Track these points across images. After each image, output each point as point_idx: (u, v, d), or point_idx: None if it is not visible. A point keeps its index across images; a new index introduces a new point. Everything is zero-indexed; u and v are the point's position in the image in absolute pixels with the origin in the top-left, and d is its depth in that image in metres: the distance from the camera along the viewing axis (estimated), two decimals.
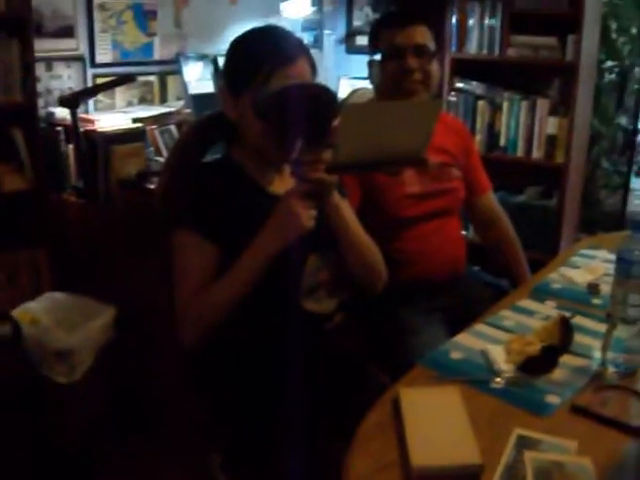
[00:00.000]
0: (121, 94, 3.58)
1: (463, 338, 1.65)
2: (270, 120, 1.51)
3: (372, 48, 2.22)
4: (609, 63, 5.21)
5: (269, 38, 1.65)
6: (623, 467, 1.18)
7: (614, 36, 5.14)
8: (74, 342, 2.50)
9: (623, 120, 5.28)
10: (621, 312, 1.47)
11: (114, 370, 2.62)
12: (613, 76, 5.26)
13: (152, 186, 2.75)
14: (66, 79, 3.34)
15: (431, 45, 2.17)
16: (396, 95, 2.15)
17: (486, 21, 3.81)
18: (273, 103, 1.48)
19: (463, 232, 2.64)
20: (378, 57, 2.17)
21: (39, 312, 2.65)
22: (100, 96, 3.44)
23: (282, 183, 1.66)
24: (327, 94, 1.50)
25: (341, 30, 4.73)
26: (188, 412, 1.87)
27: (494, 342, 1.59)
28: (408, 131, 1.53)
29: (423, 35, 2.16)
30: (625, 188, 4.34)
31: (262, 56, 1.57)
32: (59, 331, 2.54)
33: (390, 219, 2.12)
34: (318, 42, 4.67)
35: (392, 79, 2.15)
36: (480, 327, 1.70)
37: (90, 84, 3.44)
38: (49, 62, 3.26)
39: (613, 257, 1.61)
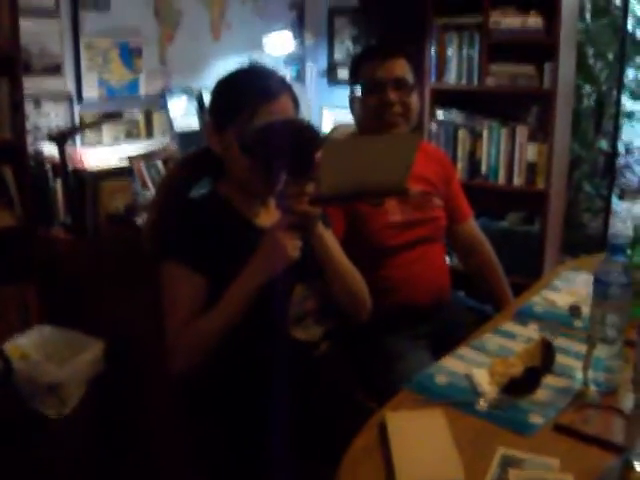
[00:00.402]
0: (108, 130, 3.61)
1: (447, 362, 1.68)
2: (255, 155, 1.56)
3: (353, 82, 2.26)
4: (587, 88, 5.30)
5: (253, 76, 1.70)
6: None
7: (591, 62, 5.24)
8: (64, 376, 2.50)
9: (603, 144, 5.36)
10: (600, 332, 1.50)
11: (104, 403, 2.63)
12: (592, 101, 5.36)
13: (140, 220, 2.79)
14: (54, 116, 3.38)
15: (410, 78, 2.22)
16: (377, 128, 2.18)
17: (464, 51, 3.88)
18: (258, 139, 1.53)
19: (447, 259, 2.68)
20: (359, 91, 2.22)
21: (28, 347, 2.66)
22: (87, 132, 3.48)
23: (268, 215, 1.70)
24: (310, 129, 1.55)
25: (323, 63, 4.79)
26: (177, 443, 1.89)
27: (478, 365, 1.62)
28: (389, 163, 1.58)
29: (402, 68, 2.21)
30: (607, 211, 4.40)
31: (246, 93, 1.62)
32: (49, 365, 2.55)
33: (374, 248, 2.16)
34: (300, 75, 4.74)
35: (373, 112, 2.19)
36: (464, 351, 1.73)
37: (77, 121, 3.48)
38: (37, 100, 3.30)
39: None
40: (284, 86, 1.68)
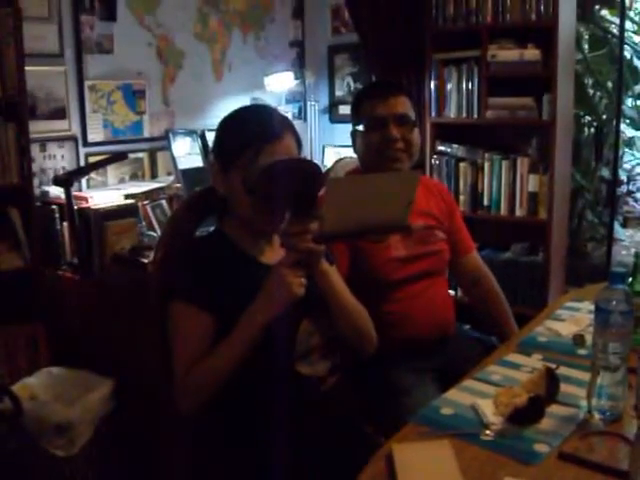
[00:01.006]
0: (113, 171, 3.67)
1: (453, 394, 1.69)
2: (259, 194, 1.58)
3: (355, 119, 2.30)
4: (587, 118, 5.34)
5: (255, 116, 1.74)
6: None
7: (590, 92, 5.28)
8: (73, 416, 2.51)
9: (605, 172, 5.39)
10: (603, 360, 1.51)
11: (113, 442, 2.64)
12: (591, 130, 5.39)
13: (145, 260, 2.81)
14: (59, 159, 3.44)
15: (411, 114, 2.25)
16: (380, 164, 2.21)
17: (463, 85, 3.91)
18: (261, 179, 1.55)
19: (451, 292, 2.69)
20: (361, 127, 2.25)
21: (37, 387, 2.68)
22: (93, 174, 3.53)
23: (273, 253, 1.72)
24: (312, 167, 1.58)
25: (324, 100, 4.85)
26: None
27: (483, 396, 1.63)
28: (390, 200, 1.60)
29: (403, 105, 2.24)
30: (610, 239, 4.41)
31: (250, 134, 1.65)
32: (58, 405, 2.56)
33: (377, 282, 2.17)
34: (302, 113, 4.80)
35: (375, 149, 2.22)
36: (469, 383, 1.74)
37: (83, 163, 3.52)
38: (43, 143, 3.36)
39: None
40: (286, 125, 1.71)
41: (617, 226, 5.40)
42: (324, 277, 1.66)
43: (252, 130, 1.67)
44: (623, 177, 6.24)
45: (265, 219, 1.64)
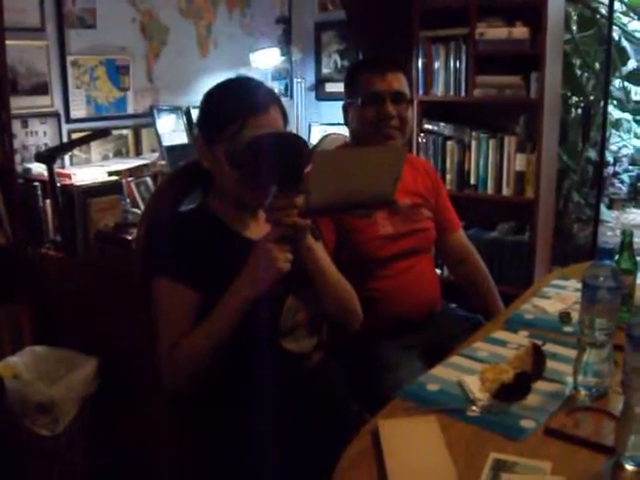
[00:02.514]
0: (96, 148, 3.63)
1: (439, 370, 1.68)
2: (244, 168, 1.56)
3: (350, 91, 2.28)
4: (575, 98, 5.33)
5: (241, 89, 1.71)
6: None
7: (578, 72, 5.27)
8: (56, 394, 2.49)
9: (592, 154, 5.39)
10: (589, 337, 1.51)
11: (97, 420, 2.62)
12: (579, 111, 5.39)
13: (129, 237, 2.78)
14: (42, 135, 3.39)
15: (407, 92, 2.25)
16: (373, 139, 2.20)
17: (451, 63, 3.90)
18: (246, 152, 1.53)
19: (438, 271, 2.68)
20: (357, 101, 2.23)
21: (20, 366, 2.66)
22: (76, 151, 3.50)
23: (258, 228, 1.70)
24: (298, 141, 1.55)
25: (310, 78, 4.83)
26: (171, 459, 1.88)
27: (469, 372, 1.63)
28: (376, 175, 1.59)
29: (400, 82, 2.23)
30: (596, 220, 4.41)
31: (234, 106, 1.63)
32: (41, 384, 2.54)
33: (364, 259, 2.16)
34: (288, 90, 4.77)
35: (370, 124, 2.21)
36: (455, 359, 1.74)
37: (65, 139, 3.49)
38: (25, 119, 3.31)
39: None
40: (273, 99, 1.69)
41: (603, 208, 5.41)
42: (310, 253, 1.64)
43: (237, 102, 1.64)
44: (609, 159, 6.25)
45: (250, 193, 1.62)
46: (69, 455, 2.54)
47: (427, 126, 4.07)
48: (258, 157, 1.51)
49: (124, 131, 3.79)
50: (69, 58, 3.49)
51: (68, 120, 3.52)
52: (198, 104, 1.75)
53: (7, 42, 2.94)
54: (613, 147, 6.41)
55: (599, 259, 1.55)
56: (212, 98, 1.72)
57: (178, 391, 1.64)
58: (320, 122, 4.62)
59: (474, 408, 1.48)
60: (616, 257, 1.86)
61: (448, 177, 3.99)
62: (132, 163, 3.54)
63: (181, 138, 3.86)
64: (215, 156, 1.65)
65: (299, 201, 1.52)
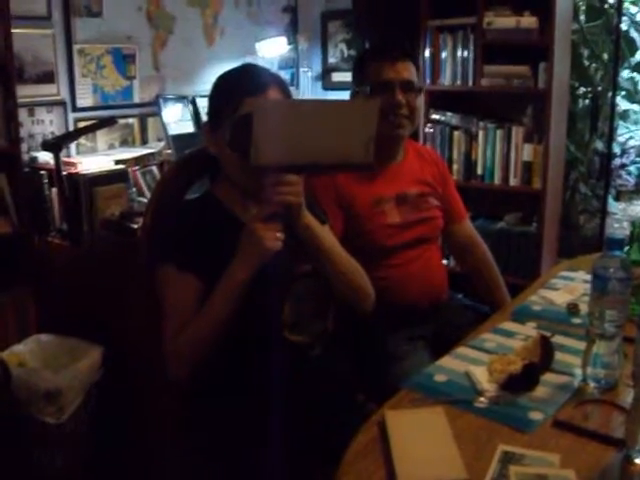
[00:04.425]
0: (102, 137, 3.62)
1: (446, 361, 1.67)
2: (236, 147, 1.52)
3: (358, 79, 2.26)
4: (582, 89, 5.30)
5: (241, 72, 1.71)
6: (606, 477, 1.20)
7: (586, 63, 5.24)
8: (62, 383, 2.50)
9: (599, 145, 5.36)
10: (599, 328, 1.49)
11: (102, 408, 2.62)
12: (587, 102, 5.36)
13: (135, 226, 2.78)
14: (48, 124, 3.38)
15: (417, 81, 2.23)
16: (381, 128, 2.18)
17: (459, 53, 3.88)
18: (236, 129, 1.50)
19: (444, 261, 2.67)
20: (363, 90, 2.21)
21: (26, 354, 2.66)
22: (82, 140, 3.48)
23: None
24: None
25: (317, 67, 4.80)
26: (175, 448, 1.88)
27: (476, 363, 1.62)
28: (345, 133, 1.51)
29: (410, 71, 2.21)
30: (603, 212, 4.39)
31: (233, 89, 1.63)
32: (47, 372, 2.54)
33: (372, 248, 2.15)
34: (294, 80, 4.75)
35: (379, 112, 2.19)
36: (462, 350, 1.73)
37: (72, 128, 3.47)
38: (31, 108, 3.30)
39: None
40: (273, 80, 1.67)
41: (610, 199, 5.39)
42: (307, 231, 1.60)
43: (236, 85, 1.65)
44: (617, 150, 6.22)
45: (250, 177, 1.58)
46: (74, 442, 2.54)
47: (434, 116, 4.05)
48: (244, 135, 1.43)
49: (130, 120, 3.77)
50: (75, 47, 3.47)
51: (74, 109, 3.50)
52: (204, 93, 1.75)
53: (13, 30, 2.94)
54: (621, 138, 6.38)
55: (608, 250, 1.53)
56: (216, 85, 1.72)
57: (181, 379, 1.64)
58: None
59: (482, 399, 1.47)
60: (626, 248, 1.84)
61: (455, 167, 3.97)
62: (138, 152, 3.53)
63: (187, 127, 3.84)
64: (218, 141, 1.65)
65: (290, 178, 1.49)
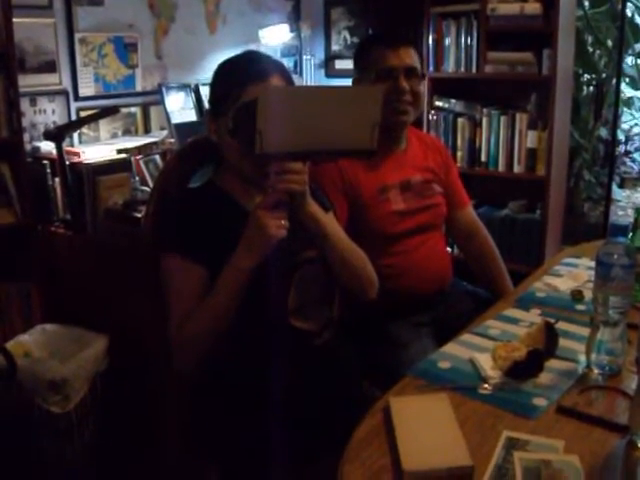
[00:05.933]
0: (105, 126, 3.61)
1: (450, 348, 1.67)
2: (239, 135, 1.52)
3: (361, 66, 2.25)
4: (586, 76, 5.28)
5: (245, 60, 1.70)
6: (610, 463, 1.20)
7: (590, 49, 5.22)
8: (67, 372, 2.50)
9: (603, 132, 5.35)
10: (603, 315, 1.49)
11: (108, 398, 2.63)
12: (591, 89, 5.34)
13: (139, 215, 2.77)
14: (50, 113, 3.37)
15: (419, 67, 2.22)
16: (385, 114, 2.17)
17: (462, 39, 3.87)
18: (239, 117, 1.50)
19: (448, 249, 2.66)
20: (365, 76, 2.20)
21: (31, 344, 2.66)
22: (84, 129, 3.47)
23: None
24: None
25: (320, 55, 4.79)
26: (181, 437, 1.88)
27: (481, 350, 1.62)
28: (348, 118, 1.50)
29: (412, 57, 2.21)
30: (607, 199, 4.38)
31: (234, 76, 1.62)
32: (52, 362, 2.54)
33: (376, 235, 2.15)
34: (297, 67, 4.73)
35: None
36: (466, 337, 1.73)
37: (74, 117, 3.47)
38: (33, 97, 3.29)
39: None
40: (275, 68, 1.67)
41: (614, 186, 5.37)
42: (311, 218, 1.61)
43: (237, 72, 1.64)
44: (621, 137, 6.20)
45: (252, 164, 1.58)
46: (80, 432, 2.55)
47: (438, 103, 4.04)
48: (247, 121, 1.42)
49: (133, 109, 3.76)
50: (77, 35, 3.45)
51: (76, 98, 3.49)
52: (207, 81, 1.74)
53: (14, 20, 2.92)
54: (625, 125, 6.36)
55: (612, 236, 1.53)
56: (217, 72, 1.71)
57: (186, 369, 1.64)
58: None
59: (486, 386, 1.47)
60: (630, 235, 1.84)
61: (459, 154, 3.97)
62: (141, 141, 3.52)
63: (190, 116, 3.84)
64: (219, 129, 1.64)
65: (295, 166, 1.48)
